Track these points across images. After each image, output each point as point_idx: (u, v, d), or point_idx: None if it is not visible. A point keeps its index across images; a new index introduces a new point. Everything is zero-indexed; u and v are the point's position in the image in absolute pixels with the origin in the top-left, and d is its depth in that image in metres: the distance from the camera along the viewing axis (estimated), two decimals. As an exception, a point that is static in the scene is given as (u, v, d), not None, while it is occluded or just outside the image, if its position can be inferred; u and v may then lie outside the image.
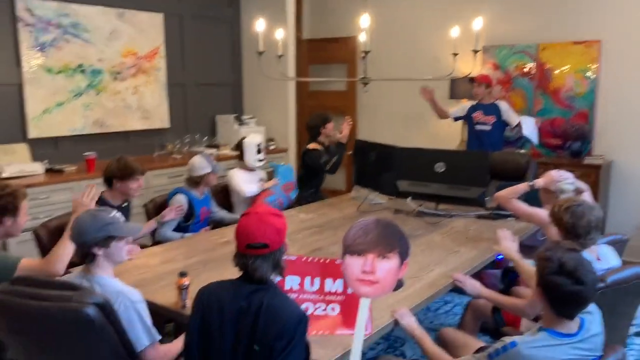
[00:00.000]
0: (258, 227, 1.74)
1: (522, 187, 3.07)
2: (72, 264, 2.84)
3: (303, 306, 2.07)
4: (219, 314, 1.72)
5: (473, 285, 2.54)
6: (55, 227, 3.11)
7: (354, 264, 1.93)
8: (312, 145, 4.53)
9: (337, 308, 2.11)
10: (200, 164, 3.64)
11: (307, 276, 2.11)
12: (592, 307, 1.85)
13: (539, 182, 2.99)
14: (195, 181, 3.66)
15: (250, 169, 4.15)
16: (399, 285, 1.97)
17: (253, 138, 4.14)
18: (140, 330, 1.92)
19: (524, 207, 3.02)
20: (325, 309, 2.11)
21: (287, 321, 1.64)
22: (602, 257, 2.38)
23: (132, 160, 3.23)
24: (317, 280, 2.12)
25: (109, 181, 3.16)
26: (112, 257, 2.04)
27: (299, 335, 1.66)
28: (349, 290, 2.08)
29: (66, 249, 2.34)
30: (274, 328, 1.64)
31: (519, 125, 4.85)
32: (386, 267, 1.92)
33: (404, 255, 1.96)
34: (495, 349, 1.76)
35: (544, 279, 1.74)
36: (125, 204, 3.28)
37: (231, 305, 1.72)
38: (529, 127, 4.88)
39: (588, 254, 2.29)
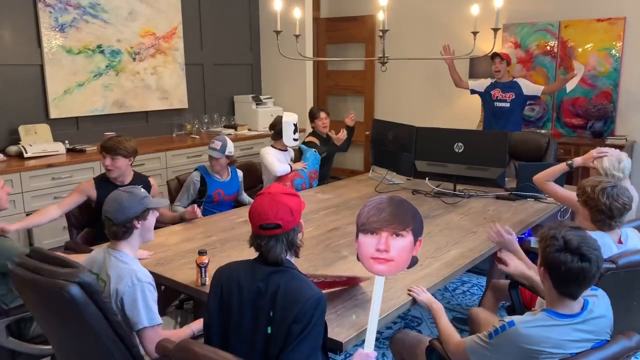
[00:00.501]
0: (270, 207, 1.71)
1: (560, 167, 3.04)
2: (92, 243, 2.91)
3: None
4: (238, 295, 1.73)
5: (517, 266, 2.34)
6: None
7: (368, 243, 1.94)
8: (309, 138, 4.54)
9: (334, 282, 2.20)
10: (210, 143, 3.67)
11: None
12: (599, 291, 1.84)
13: (578, 160, 2.97)
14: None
15: (283, 149, 4.16)
16: (413, 262, 1.98)
17: (290, 117, 4.12)
18: (141, 310, 1.95)
19: (560, 190, 3.00)
20: (325, 287, 2.16)
21: (305, 304, 1.63)
22: (624, 241, 2.36)
23: (119, 139, 3.21)
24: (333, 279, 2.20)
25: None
26: (145, 232, 2.14)
27: (316, 318, 1.65)
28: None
29: None
30: (291, 311, 1.63)
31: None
32: (400, 245, 1.93)
33: (417, 233, 1.97)
34: (495, 328, 1.78)
35: (548, 257, 1.73)
36: (142, 185, 3.28)
37: (249, 287, 1.72)
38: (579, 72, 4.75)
39: (610, 236, 2.29)
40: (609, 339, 1.79)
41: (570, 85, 4.73)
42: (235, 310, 1.73)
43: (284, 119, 4.10)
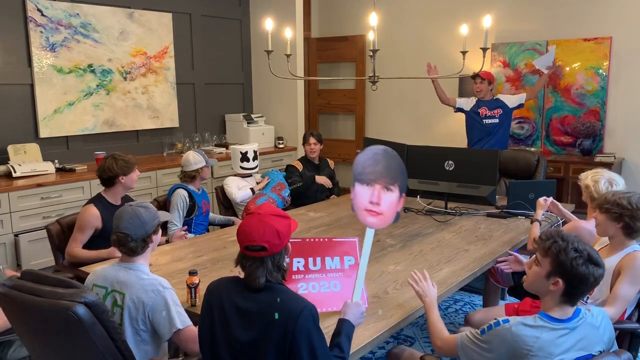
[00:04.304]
0: (257, 229, 1.67)
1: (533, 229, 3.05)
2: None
3: (310, 284, 2.16)
4: (226, 314, 1.70)
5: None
6: (67, 224, 3.15)
7: (363, 193, 2.03)
8: (295, 162, 4.66)
9: (339, 284, 2.20)
10: (195, 158, 3.73)
11: (310, 257, 2.21)
12: (593, 307, 1.89)
13: (538, 214, 3.11)
14: (191, 176, 3.74)
15: (245, 175, 4.28)
16: (397, 217, 2.08)
17: (241, 146, 4.28)
18: (174, 313, 2.01)
19: None
20: (329, 287, 2.19)
21: (299, 318, 1.60)
22: None
23: (124, 153, 3.24)
24: (318, 260, 2.22)
25: (111, 181, 3.15)
26: (155, 243, 2.22)
27: (315, 329, 1.63)
28: (345, 266, 2.21)
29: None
30: (288, 328, 1.60)
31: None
32: (389, 199, 2.04)
33: (402, 188, 2.07)
34: (488, 324, 1.81)
35: (575, 270, 1.75)
36: (125, 202, 3.26)
37: (238, 306, 1.69)
38: (546, 60, 5.01)
39: None
40: (596, 354, 1.80)
41: (538, 63, 5.01)
42: (224, 329, 1.70)
43: (231, 147, 4.31)
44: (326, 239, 2.26)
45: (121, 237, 2.09)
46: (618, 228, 2.38)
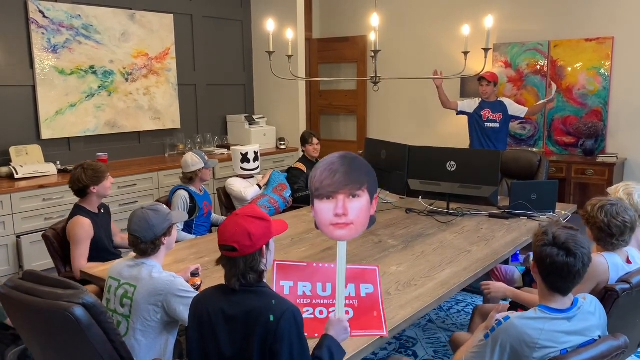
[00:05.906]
0: (230, 229, 1.66)
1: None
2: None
3: (317, 310, 2.05)
4: (210, 321, 1.69)
5: (498, 289, 2.58)
6: (63, 229, 3.11)
7: (325, 209, 1.90)
8: (296, 164, 4.59)
9: (351, 312, 2.09)
10: (192, 160, 3.73)
11: (319, 282, 2.11)
12: (587, 295, 1.93)
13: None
14: (188, 177, 3.75)
15: (248, 176, 4.29)
16: (371, 222, 1.96)
17: (241, 147, 4.30)
18: (190, 297, 2.03)
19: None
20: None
21: (280, 320, 1.58)
22: (632, 260, 2.34)
23: (94, 162, 3.17)
24: (328, 286, 2.11)
25: (83, 192, 3.07)
26: (170, 244, 2.26)
27: (297, 332, 1.60)
28: (362, 294, 2.10)
29: None
30: (269, 330, 1.58)
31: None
32: (358, 206, 1.91)
33: (372, 190, 1.94)
34: (491, 326, 1.82)
35: (536, 251, 1.82)
36: (102, 210, 3.23)
37: (219, 312, 1.67)
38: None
39: (618, 255, 2.30)
40: (597, 338, 1.84)
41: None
42: (211, 337, 1.69)
43: (232, 148, 4.34)
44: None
45: (132, 239, 2.17)
46: (591, 235, 2.34)
